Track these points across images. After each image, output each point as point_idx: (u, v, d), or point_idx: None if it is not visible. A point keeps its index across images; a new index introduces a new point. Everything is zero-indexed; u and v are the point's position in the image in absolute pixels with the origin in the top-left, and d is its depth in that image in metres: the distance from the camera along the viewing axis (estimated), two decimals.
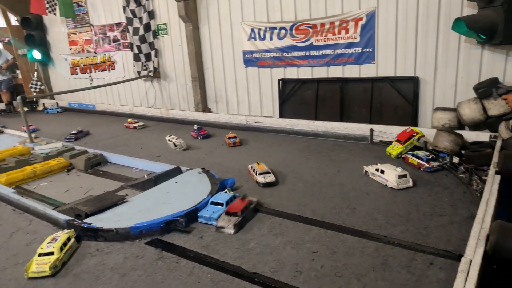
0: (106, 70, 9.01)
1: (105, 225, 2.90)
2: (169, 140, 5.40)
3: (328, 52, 5.73)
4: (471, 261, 1.94)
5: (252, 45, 6.50)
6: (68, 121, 8.17)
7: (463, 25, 4.25)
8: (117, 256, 2.64)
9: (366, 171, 3.87)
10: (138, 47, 7.95)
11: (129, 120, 7.25)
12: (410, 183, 3.47)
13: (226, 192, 3.40)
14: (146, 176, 4.06)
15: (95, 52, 9.07)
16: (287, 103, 6.39)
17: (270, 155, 4.78)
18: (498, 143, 3.95)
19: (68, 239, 2.74)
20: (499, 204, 2.96)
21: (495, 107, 4.31)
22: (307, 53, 5.93)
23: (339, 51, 5.62)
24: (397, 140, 4.44)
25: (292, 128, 5.74)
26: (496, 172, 3.12)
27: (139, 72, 8.16)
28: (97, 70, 9.20)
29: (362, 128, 5.17)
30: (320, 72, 5.95)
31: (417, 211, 3.02)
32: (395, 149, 4.36)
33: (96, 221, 2.99)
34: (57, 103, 9.92)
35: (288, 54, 6.13)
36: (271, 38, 6.24)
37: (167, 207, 3.15)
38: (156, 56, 7.92)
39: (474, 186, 3.35)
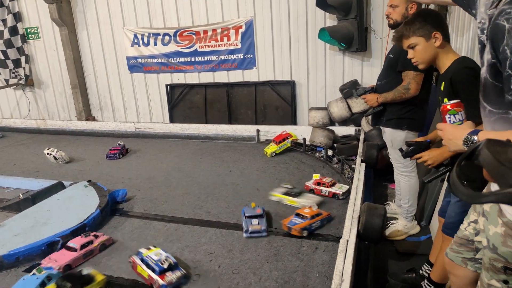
0: None
1: None
2: (48, 153, 4.78)
3: (212, 58, 5.77)
4: (347, 241, 2.13)
5: (136, 50, 6.18)
6: None
7: (326, 34, 4.70)
8: None
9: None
10: (4, 52, 6.90)
11: None
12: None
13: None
14: (21, 195, 3.52)
15: None
16: (177, 108, 6.25)
17: (162, 161, 4.60)
18: (362, 135, 4.46)
19: None
20: (366, 188, 3.34)
21: (357, 105, 4.86)
22: (193, 59, 5.88)
23: (223, 57, 5.70)
24: (273, 141, 4.59)
25: (183, 132, 5.63)
26: (362, 161, 3.51)
27: (7, 80, 7.09)
28: None
29: (249, 129, 5.32)
30: (207, 77, 5.96)
31: None
32: (270, 149, 4.49)
33: None
34: None
35: (173, 59, 5.99)
36: (155, 44, 6.02)
37: (49, 227, 2.77)
38: (27, 62, 6.97)
39: (346, 174, 3.70)
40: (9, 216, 3.05)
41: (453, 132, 1.42)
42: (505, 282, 1.47)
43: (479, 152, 1.05)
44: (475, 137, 1.31)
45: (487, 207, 1.56)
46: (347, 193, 3.16)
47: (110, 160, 4.75)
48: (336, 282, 1.75)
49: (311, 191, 3.34)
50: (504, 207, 1.41)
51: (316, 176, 3.51)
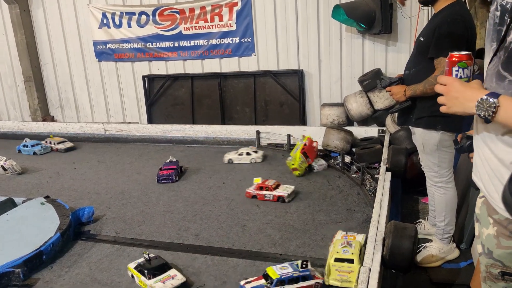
0: None
1: None
2: None
3: (201, 42, 5.81)
4: (370, 270, 2.14)
5: (106, 33, 6.22)
6: None
7: (342, 12, 4.73)
8: None
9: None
10: None
11: None
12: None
13: None
14: None
15: None
16: (157, 105, 6.27)
17: (139, 171, 4.61)
18: (387, 138, 4.49)
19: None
20: (393, 202, 3.36)
21: (381, 100, 4.89)
22: (176, 44, 5.92)
23: (214, 41, 5.74)
24: (304, 153, 4.17)
25: (164, 135, 5.65)
26: (387, 169, 3.53)
27: None
28: None
29: (247, 130, 5.35)
30: (194, 66, 5.99)
31: (313, 220, 3.23)
32: (300, 165, 4.12)
33: None
34: None
35: (152, 45, 6.04)
36: (129, 26, 6.06)
37: None
38: None
39: (368, 186, 3.72)
40: None
41: (462, 90, 1.44)
42: None
43: None
44: (495, 100, 1.33)
45: (477, 209, 1.67)
46: (293, 194, 3.61)
47: (162, 183, 4.16)
48: None
49: (254, 197, 3.63)
50: (497, 202, 1.48)
51: (258, 180, 3.73)
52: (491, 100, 1.34)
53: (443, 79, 1.52)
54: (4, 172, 4.73)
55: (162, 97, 6.23)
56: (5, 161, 4.74)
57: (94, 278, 2.65)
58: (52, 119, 6.96)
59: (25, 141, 5.63)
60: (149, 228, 3.27)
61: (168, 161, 4.48)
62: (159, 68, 6.19)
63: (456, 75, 1.52)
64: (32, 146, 5.52)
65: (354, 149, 4.67)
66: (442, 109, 1.54)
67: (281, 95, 5.65)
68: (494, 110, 1.35)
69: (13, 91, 7.12)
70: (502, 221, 1.50)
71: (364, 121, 5.19)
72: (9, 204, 3.65)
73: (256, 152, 4.76)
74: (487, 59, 1.55)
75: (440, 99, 1.54)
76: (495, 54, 1.47)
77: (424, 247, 3.21)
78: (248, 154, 4.70)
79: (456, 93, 1.46)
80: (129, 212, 3.57)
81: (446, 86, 1.50)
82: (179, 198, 3.81)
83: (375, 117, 5.05)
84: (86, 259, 2.87)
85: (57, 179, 4.53)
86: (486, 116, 1.36)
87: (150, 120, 6.31)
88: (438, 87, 1.54)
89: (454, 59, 1.52)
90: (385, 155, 3.85)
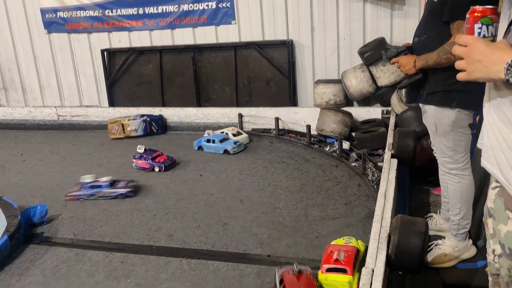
0: None
1: None
2: None
3: (170, 8, 5.77)
4: (373, 271, 2.18)
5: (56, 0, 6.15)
6: None
7: None
8: None
9: None
10: None
11: None
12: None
13: None
14: None
15: None
16: (119, 84, 6.23)
17: (100, 163, 4.60)
18: (392, 120, 4.52)
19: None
20: (399, 195, 3.41)
21: (385, 74, 4.92)
22: (141, 11, 5.88)
23: (185, 7, 5.71)
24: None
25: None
26: (393, 156, 3.57)
27: None
28: None
29: (227, 113, 5.36)
30: (163, 38, 5.95)
31: (306, 216, 3.27)
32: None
33: None
34: None
35: (112, 12, 5.98)
36: None
37: None
38: None
39: (370, 176, 3.77)
40: None
41: (487, 51, 1.40)
42: None
43: None
44: None
45: (490, 203, 1.68)
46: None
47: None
48: None
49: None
50: None
51: None
52: None
53: (463, 38, 1.47)
54: None
55: (125, 75, 6.18)
56: None
57: (50, 287, 2.66)
58: None
59: None
60: (114, 228, 3.28)
61: (142, 151, 4.42)
62: (120, 40, 6.13)
63: (479, 33, 1.47)
64: None
65: (353, 134, 4.71)
66: (461, 76, 1.49)
67: (267, 71, 5.64)
68: None
69: None
70: None
71: (366, 100, 5.23)
72: None
73: (240, 133, 4.85)
74: (503, 20, 1.53)
75: (459, 64, 1.49)
76: None
77: (436, 245, 3.27)
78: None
79: (480, 55, 1.41)
80: (89, 211, 3.57)
81: (467, 47, 1.45)
82: (148, 193, 3.82)
83: (378, 96, 5.08)
84: (39, 266, 2.86)
85: (2, 174, 4.51)
86: None
87: (112, 103, 6.27)
88: (457, 49, 1.49)
89: (476, 14, 1.47)
90: (390, 139, 3.89)
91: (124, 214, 3.48)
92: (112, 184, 3.79)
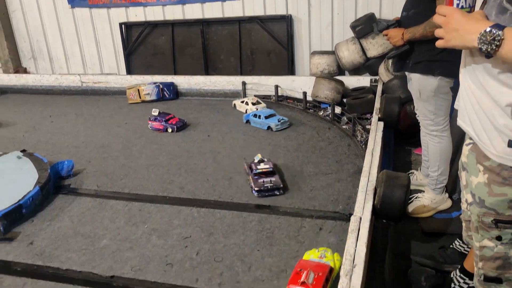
0: None
1: None
2: None
3: None
4: (360, 219, 2.19)
5: None
6: None
7: None
8: None
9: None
10: None
11: None
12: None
13: None
14: None
15: None
16: (135, 54, 6.15)
17: (119, 124, 4.58)
18: (379, 87, 4.49)
19: None
20: (384, 154, 3.40)
21: (374, 47, 4.84)
22: None
23: None
24: None
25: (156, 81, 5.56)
26: (379, 119, 3.55)
27: None
28: None
29: (232, 81, 5.30)
30: (174, 12, 5.84)
31: (301, 172, 3.26)
32: None
33: None
34: None
35: None
36: None
37: None
38: None
39: (359, 137, 3.76)
40: None
41: (463, 21, 1.39)
42: (498, 238, 1.61)
43: None
44: (500, 33, 1.29)
45: (464, 158, 1.70)
46: None
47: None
48: (347, 268, 1.82)
49: None
50: (488, 147, 1.51)
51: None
52: (495, 32, 1.30)
53: (443, 9, 1.46)
54: None
55: (141, 46, 6.09)
56: None
57: (77, 231, 2.68)
58: (25, 71, 6.80)
59: None
60: (132, 181, 3.29)
61: (156, 113, 4.39)
62: (136, 14, 6.02)
63: (458, 4, 1.47)
64: None
65: (345, 100, 4.67)
66: (439, 43, 1.49)
67: (268, 43, 5.56)
68: (498, 43, 1.30)
69: None
70: (494, 168, 1.52)
71: (356, 70, 5.16)
72: None
73: (259, 103, 4.74)
74: None
75: (438, 32, 1.48)
76: None
77: (416, 198, 3.29)
78: (253, 104, 4.69)
79: (457, 24, 1.40)
80: (110, 166, 3.57)
81: (445, 17, 1.44)
82: (162, 151, 3.81)
83: (367, 66, 5.01)
84: (67, 213, 2.89)
85: (33, 133, 4.49)
86: (489, 50, 1.32)
87: (129, 71, 6.20)
88: (436, 18, 1.48)
89: None
90: (377, 104, 3.87)
91: (141, 169, 3.48)
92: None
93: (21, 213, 2.82)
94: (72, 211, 2.91)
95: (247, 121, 4.38)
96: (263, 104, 4.71)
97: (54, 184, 3.25)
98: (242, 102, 4.77)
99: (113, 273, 2.28)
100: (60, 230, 2.70)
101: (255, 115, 4.25)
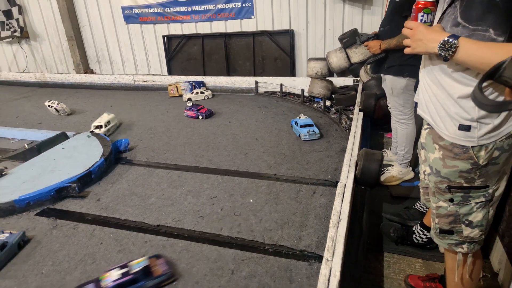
0: None
1: None
2: (49, 105, 4.74)
3: (209, 7, 5.54)
4: (345, 185, 2.17)
5: (131, 0, 5.92)
6: None
7: None
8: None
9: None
10: None
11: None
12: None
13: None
14: (26, 146, 3.53)
15: None
16: (175, 59, 6.10)
17: (162, 112, 4.58)
18: (360, 86, 4.41)
19: None
20: (363, 136, 3.36)
21: (356, 55, 4.75)
22: (189, 8, 5.65)
23: (220, 6, 5.47)
24: None
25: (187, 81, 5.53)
26: (360, 110, 3.50)
27: None
28: None
29: (247, 80, 5.25)
30: (204, 28, 5.76)
31: (300, 150, 3.24)
32: None
33: None
34: None
35: (170, 9, 5.76)
36: None
37: (56, 174, 2.81)
38: (20, 13, 6.68)
39: (344, 124, 3.71)
40: (16, 165, 3.09)
41: (426, 33, 1.37)
42: (451, 200, 1.60)
43: (506, 68, 1.07)
44: (455, 41, 1.27)
45: (423, 139, 1.68)
46: None
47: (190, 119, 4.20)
48: (334, 221, 1.81)
49: None
50: (443, 130, 1.51)
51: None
52: (452, 41, 1.28)
53: (409, 23, 1.44)
54: (57, 113, 4.69)
55: (178, 53, 6.04)
56: (57, 104, 4.69)
57: (131, 191, 2.70)
58: (92, 72, 6.80)
59: None
60: (173, 155, 3.29)
61: (190, 105, 4.41)
62: (175, 29, 5.95)
63: (421, 20, 1.45)
64: None
65: (333, 95, 4.60)
66: (407, 50, 1.47)
67: (275, 51, 5.47)
68: (454, 50, 1.28)
69: (59, 49, 6.89)
70: (447, 146, 1.50)
71: (342, 73, 5.08)
72: (63, 137, 3.66)
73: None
74: (439, 11, 1.48)
75: (405, 41, 1.46)
76: (449, 5, 1.39)
77: (387, 170, 3.26)
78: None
79: (421, 35, 1.38)
80: (156, 143, 3.58)
81: (412, 30, 1.42)
82: (195, 133, 3.81)
83: (351, 69, 4.92)
84: (125, 178, 2.91)
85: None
86: (447, 55, 1.30)
87: (170, 72, 6.16)
88: (404, 31, 1.45)
89: (420, 5, 1.44)
90: (358, 99, 3.80)
91: (179, 146, 3.48)
92: None
93: (90, 178, 2.85)
94: (128, 176, 2.93)
95: (291, 125, 3.76)
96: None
97: (115, 156, 3.27)
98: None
99: (159, 223, 2.30)
100: (119, 191, 2.72)
101: (296, 122, 3.63)
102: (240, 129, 3.85)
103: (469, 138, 1.43)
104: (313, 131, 3.44)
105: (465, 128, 1.42)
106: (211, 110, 4.36)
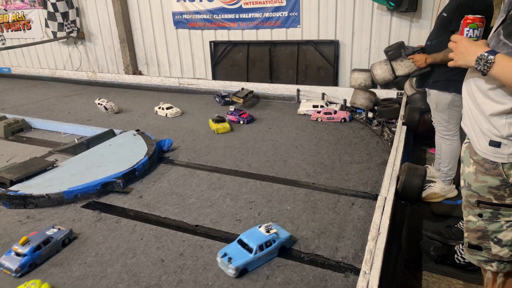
0: (20, 30, 7.93)
1: (34, 191, 2.64)
2: (99, 103, 5.02)
3: (256, 15, 5.64)
4: (385, 198, 2.13)
5: (182, 6, 6.15)
6: None
7: None
8: (51, 222, 2.44)
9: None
10: (54, 5, 7.01)
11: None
12: None
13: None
14: (76, 140, 3.76)
15: (5, 9, 7.89)
16: (220, 65, 6.25)
17: (205, 115, 4.69)
18: (404, 99, 4.30)
19: None
20: (406, 150, 3.28)
21: (401, 68, 4.64)
22: (237, 16, 5.78)
23: (267, 14, 5.55)
24: None
25: (225, 89, 5.65)
26: (403, 124, 3.42)
27: (54, 33, 7.27)
28: (9, 30, 8.07)
29: (289, 88, 5.27)
30: (250, 35, 5.86)
31: (340, 160, 3.22)
32: None
33: (23, 188, 2.70)
34: None
35: (218, 16, 5.92)
36: (201, 0, 5.95)
37: (103, 169, 2.97)
38: (77, 15, 7.13)
39: (385, 137, 3.63)
40: (66, 158, 3.29)
41: (467, 46, 1.41)
42: (479, 215, 1.59)
43: None
44: (492, 57, 1.30)
45: (462, 152, 1.67)
46: None
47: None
48: (373, 234, 1.78)
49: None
50: (476, 145, 1.52)
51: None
52: (488, 56, 1.31)
53: (455, 37, 1.48)
54: (106, 111, 4.94)
55: (224, 59, 6.18)
56: (106, 102, 4.95)
57: (172, 190, 2.80)
58: (140, 73, 7.09)
59: None
60: (213, 157, 3.37)
61: (232, 109, 4.50)
62: (222, 35, 6.10)
63: (467, 34, 1.48)
64: None
65: (376, 107, 4.53)
66: (450, 63, 1.52)
67: (319, 61, 5.46)
68: (489, 65, 1.31)
69: (111, 50, 7.28)
70: (479, 161, 1.52)
71: (386, 85, 4.97)
72: (110, 134, 3.85)
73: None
74: (493, 29, 1.49)
75: (450, 54, 1.50)
76: (501, 24, 1.41)
77: (428, 186, 3.16)
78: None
79: (463, 48, 1.42)
80: (198, 145, 3.67)
81: (456, 43, 1.46)
82: (236, 138, 3.87)
83: (395, 82, 4.81)
84: (166, 177, 3.02)
85: (144, 118, 4.70)
86: (482, 70, 1.33)
87: (214, 77, 6.31)
88: (450, 44, 1.49)
89: (468, 20, 1.46)
90: (402, 112, 3.71)
91: (220, 149, 3.56)
92: None
93: (134, 175, 2.97)
94: (170, 176, 3.03)
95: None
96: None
97: (158, 156, 3.39)
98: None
99: (197, 223, 2.36)
100: (161, 189, 2.82)
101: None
102: (280, 135, 3.88)
103: (499, 154, 1.44)
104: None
105: (495, 144, 1.44)
106: (252, 115, 4.42)
